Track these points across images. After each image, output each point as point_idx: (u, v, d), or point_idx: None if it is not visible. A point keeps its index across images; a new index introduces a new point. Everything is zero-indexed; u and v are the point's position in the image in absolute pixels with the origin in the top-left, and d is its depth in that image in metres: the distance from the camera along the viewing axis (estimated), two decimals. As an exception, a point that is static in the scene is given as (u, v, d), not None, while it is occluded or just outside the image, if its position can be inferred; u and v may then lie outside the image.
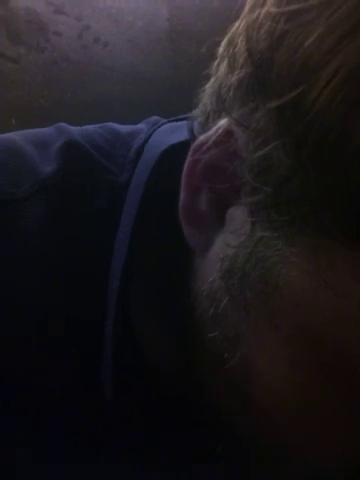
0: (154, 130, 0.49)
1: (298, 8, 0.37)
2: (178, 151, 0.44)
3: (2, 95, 1.12)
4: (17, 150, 0.48)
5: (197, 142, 0.42)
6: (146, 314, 0.46)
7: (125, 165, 0.48)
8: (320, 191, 0.36)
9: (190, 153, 0.42)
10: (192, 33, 1.13)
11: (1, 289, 0.44)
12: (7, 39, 1.11)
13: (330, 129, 0.35)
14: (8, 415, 0.45)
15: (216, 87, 0.41)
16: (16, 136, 0.49)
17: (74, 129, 0.50)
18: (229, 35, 0.41)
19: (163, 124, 0.50)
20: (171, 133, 0.48)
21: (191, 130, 0.44)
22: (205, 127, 0.42)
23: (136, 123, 0.53)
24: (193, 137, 0.43)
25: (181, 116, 0.49)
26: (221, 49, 0.42)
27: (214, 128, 0.41)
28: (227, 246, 0.40)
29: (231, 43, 0.40)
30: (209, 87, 0.43)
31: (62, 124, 0.51)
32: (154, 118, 0.52)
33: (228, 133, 0.40)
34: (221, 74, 0.41)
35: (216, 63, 0.42)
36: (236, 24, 0.40)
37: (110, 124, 0.52)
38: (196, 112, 0.44)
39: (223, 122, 0.40)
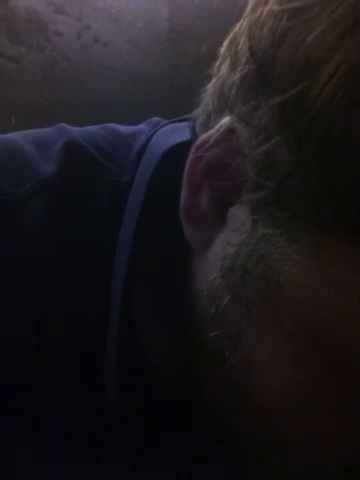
0: (155, 131, 0.49)
1: (300, 5, 0.37)
2: (180, 151, 0.44)
3: (2, 95, 1.12)
4: (18, 150, 0.48)
5: (199, 141, 0.42)
6: (148, 314, 0.46)
7: (126, 166, 0.48)
8: (322, 186, 0.36)
9: (192, 152, 0.42)
10: (192, 33, 1.13)
11: (1, 289, 0.44)
12: (7, 38, 1.11)
13: (332, 125, 0.35)
14: (8, 415, 0.45)
15: (218, 87, 0.42)
16: (17, 136, 0.49)
17: (75, 130, 0.50)
18: (231, 35, 0.41)
19: (164, 125, 0.50)
20: (172, 134, 0.48)
21: (193, 130, 0.44)
22: (207, 126, 0.42)
23: (136, 123, 0.53)
24: (195, 136, 0.43)
25: (182, 117, 0.49)
26: (223, 49, 0.42)
27: (216, 126, 0.41)
28: (228, 244, 0.41)
29: (233, 43, 0.41)
30: (210, 87, 0.43)
31: (63, 124, 0.51)
32: (155, 119, 0.52)
33: (230, 131, 0.40)
34: (223, 74, 0.41)
35: (218, 63, 0.42)
36: (238, 24, 0.40)
37: (111, 125, 0.52)
38: (197, 112, 0.44)
39: (225, 120, 0.41)
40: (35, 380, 0.45)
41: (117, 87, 1.14)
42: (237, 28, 0.41)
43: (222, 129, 0.40)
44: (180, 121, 0.50)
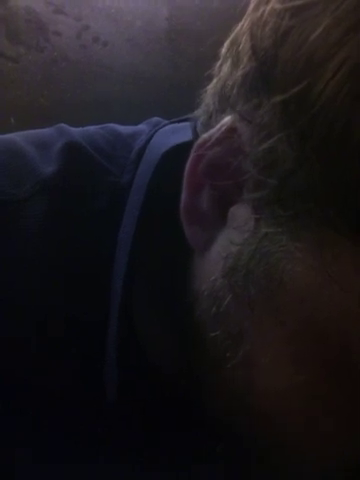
0: (155, 131, 0.49)
1: (303, 3, 0.37)
2: (180, 152, 0.44)
3: (1, 95, 1.12)
4: (18, 151, 0.48)
5: (200, 140, 0.42)
6: (149, 314, 0.46)
7: (126, 166, 0.48)
8: (325, 184, 0.36)
9: (193, 151, 0.42)
10: (191, 33, 1.13)
11: (1, 289, 0.44)
12: (6, 39, 1.11)
13: (335, 122, 0.35)
14: (8, 415, 0.45)
15: (219, 86, 0.42)
16: (17, 137, 0.49)
17: (75, 130, 0.50)
18: (233, 34, 0.41)
19: (164, 125, 0.50)
20: (172, 134, 0.48)
21: (194, 129, 0.44)
22: (208, 126, 0.42)
23: (136, 123, 0.53)
24: (196, 136, 0.43)
25: (182, 117, 0.49)
26: (224, 49, 0.42)
27: (217, 125, 0.41)
28: (231, 243, 0.40)
29: (235, 42, 0.41)
30: (211, 87, 0.43)
31: (63, 125, 0.51)
32: (155, 119, 0.52)
33: (232, 129, 0.40)
34: (224, 73, 0.41)
35: (219, 63, 0.42)
36: (240, 23, 0.40)
37: (111, 125, 0.52)
38: (198, 112, 0.44)
39: (227, 119, 0.40)
40: (35, 380, 0.45)
41: (117, 87, 1.14)
42: (239, 27, 0.41)
43: (223, 128, 0.40)
44: (180, 121, 0.50)
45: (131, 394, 0.45)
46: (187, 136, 0.45)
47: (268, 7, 0.38)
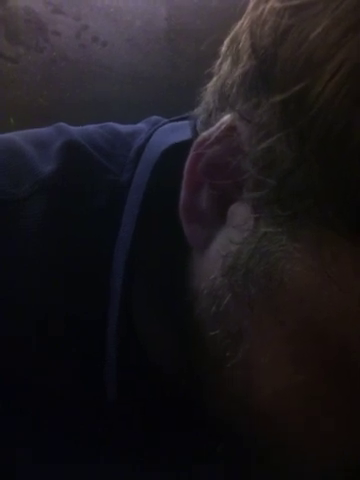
0: (155, 130, 0.49)
1: (302, 2, 0.37)
2: (179, 150, 0.44)
3: (1, 95, 1.12)
4: (17, 150, 0.48)
5: (199, 138, 0.42)
6: (149, 313, 0.46)
7: (125, 165, 0.48)
8: (324, 184, 0.36)
9: (192, 150, 0.42)
10: (191, 32, 1.13)
11: (1, 289, 0.44)
12: (6, 39, 1.11)
13: (334, 123, 0.35)
14: (8, 415, 0.45)
15: (219, 85, 0.41)
16: (16, 136, 0.49)
17: (74, 129, 0.50)
18: (232, 33, 0.41)
19: (164, 124, 0.50)
20: (172, 133, 0.48)
21: (194, 128, 0.44)
22: (207, 125, 0.42)
23: (135, 122, 0.53)
24: (195, 135, 0.43)
25: (182, 115, 0.49)
26: (224, 48, 0.42)
27: (217, 124, 0.41)
28: (230, 243, 0.40)
29: (234, 41, 0.40)
30: (211, 86, 0.43)
31: (62, 124, 0.51)
32: (154, 118, 0.52)
33: (231, 128, 0.40)
34: (224, 72, 0.41)
35: (218, 62, 0.42)
36: (239, 22, 0.40)
37: (110, 124, 0.52)
38: (198, 111, 0.44)
39: (226, 118, 0.40)
40: (35, 380, 0.45)
41: (116, 86, 1.14)
42: (238, 26, 0.40)
43: (223, 127, 0.40)
44: (179, 120, 0.49)
45: (131, 394, 0.45)
46: (186, 134, 0.45)
47: (268, 6, 0.38)
